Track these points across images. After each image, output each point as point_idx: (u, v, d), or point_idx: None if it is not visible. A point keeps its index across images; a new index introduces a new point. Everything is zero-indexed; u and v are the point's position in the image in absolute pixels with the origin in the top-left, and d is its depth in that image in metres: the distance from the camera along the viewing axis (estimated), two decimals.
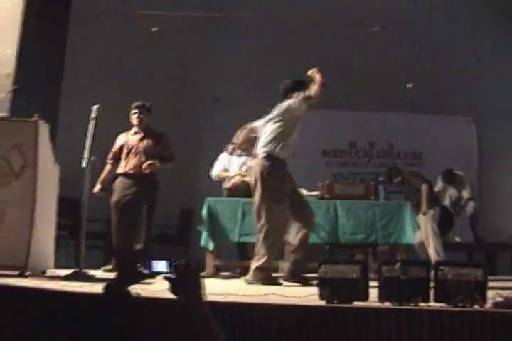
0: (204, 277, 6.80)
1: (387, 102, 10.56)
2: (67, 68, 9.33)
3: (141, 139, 7.22)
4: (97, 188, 7.14)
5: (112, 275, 5.98)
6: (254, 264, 5.95)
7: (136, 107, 7.24)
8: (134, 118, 7.25)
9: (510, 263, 8.93)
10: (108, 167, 7.27)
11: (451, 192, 9.66)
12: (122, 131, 7.44)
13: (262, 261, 5.90)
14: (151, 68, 10.09)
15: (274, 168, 5.99)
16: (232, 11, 10.04)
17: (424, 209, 8.24)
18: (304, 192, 7.55)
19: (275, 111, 6.17)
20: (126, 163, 7.14)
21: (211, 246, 7.02)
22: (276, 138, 6.04)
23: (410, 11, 10.54)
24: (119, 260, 2.15)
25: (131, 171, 7.10)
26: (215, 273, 7.10)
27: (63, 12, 9.36)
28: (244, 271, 7.15)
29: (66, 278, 5.41)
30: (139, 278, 2.45)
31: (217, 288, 5.02)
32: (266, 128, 6.18)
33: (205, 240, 7.01)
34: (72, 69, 9.35)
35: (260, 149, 6.11)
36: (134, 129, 7.30)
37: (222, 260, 7.36)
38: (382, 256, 7.86)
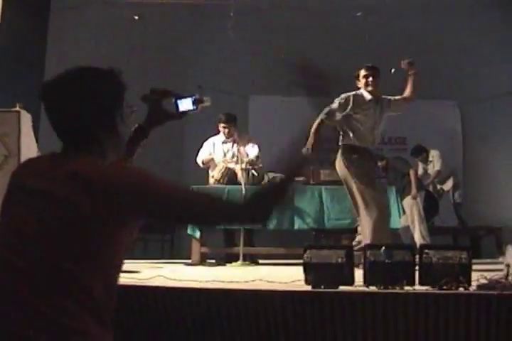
0: (190, 264, 6.88)
1: None
2: (48, 57, 9.26)
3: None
4: None
5: None
6: None
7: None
8: None
9: (495, 246, 8.96)
10: None
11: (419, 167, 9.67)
12: None
13: None
14: (133, 56, 10.01)
15: None
16: None
17: (414, 192, 8.27)
18: None
19: None
20: None
21: (197, 234, 7.03)
22: None
23: None
24: (144, 100, 2.13)
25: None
26: (202, 261, 7.10)
27: (44, 1, 9.29)
28: (230, 258, 7.19)
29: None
30: (164, 117, 2.45)
31: (205, 275, 5.04)
32: None
33: (191, 228, 7.01)
34: (54, 58, 9.28)
35: None
36: None
37: (208, 247, 7.36)
38: None
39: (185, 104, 2.39)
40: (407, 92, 6.51)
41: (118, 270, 1.97)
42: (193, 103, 2.37)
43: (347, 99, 6.33)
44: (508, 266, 4.02)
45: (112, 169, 1.95)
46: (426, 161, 9.62)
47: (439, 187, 9.82)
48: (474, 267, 4.00)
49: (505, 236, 9.65)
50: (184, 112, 2.40)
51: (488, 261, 7.56)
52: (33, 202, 1.89)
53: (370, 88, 6.34)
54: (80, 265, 1.81)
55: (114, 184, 1.89)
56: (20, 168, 2.11)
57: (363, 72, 6.41)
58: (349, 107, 6.31)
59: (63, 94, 2.03)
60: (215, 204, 2.04)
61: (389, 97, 6.50)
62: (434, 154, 9.61)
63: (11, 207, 1.95)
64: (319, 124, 6.30)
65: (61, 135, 2.04)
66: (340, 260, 3.75)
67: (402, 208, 7.35)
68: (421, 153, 9.60)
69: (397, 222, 6.96)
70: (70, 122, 2.02)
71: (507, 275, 3.94)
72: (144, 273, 5.42)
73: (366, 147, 6.39)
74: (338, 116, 6.35)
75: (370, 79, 6.36)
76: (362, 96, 6.36)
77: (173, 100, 2.40)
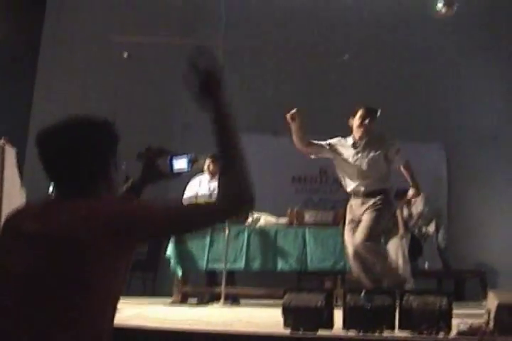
0: (172, 303, 6.82)
1: None
2: (36, 93, 9.29)
3: None
4: None
5: None
6: None
7: None
8: None
9: (480, 289, 8.94)
10: None
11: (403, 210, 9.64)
12: None
13: None
14: (121, 94, 10.05)
15: None
16: (204, 38, 10.07)
17: (402, 232, 8.25)
18: (273, 219, 7.56)
19: None
20: None
21: (179, 272, 6.99)
22: None
23: (378, 38, 10.66)
24: (139, 158, 2.12)
25: None
26: (184, 300, 7.04)
27: (35, 36, 9.35)
28: (213, 298, 7.13)
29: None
30: (158, 176, 2.44)
31: (184, 316, 4.99)
32: None
33: (173, 267, 6.98)
34: (42, 94, 9.32)
35: None
36: None
37: (190, 286, 7.31)
38: (352, 283, 7.85)
39: (180, 164, 2.38)
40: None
41: (116, 303, 2.01)
42: (188, 163, 2.37)
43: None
44: (488, 311, 4.00)
45: (108, 204, 2.00)
46: (409, 204, 9.60)
47: (424, 229, 9.79)
48: (457, 311, 3.98)
49: (490, 279, 9.67)
50: (178, 173, 2.41)
51: (473, 304, 7.54)
52: (29, 244, 1.91)
53: (360, 132, 6.32)
54: (79, 300, 1.84)
55: (114, 217, 1.93)
56: (15, 213, 2.14)
57: (360, 113, 6.37)
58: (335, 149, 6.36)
59: (60, 143, 2.09)
60: (205, 209, 2.12)
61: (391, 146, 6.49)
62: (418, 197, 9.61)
63: (5, 251, 1.96)
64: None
65: (55, 180, 2.10)
66: (319, 304, 3.72)
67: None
68: (402, 196, 9.56)
69: None
70: (66, 170, 2.07)
71: (487, 321, 3.92)
72: (123, 311, 5.36)
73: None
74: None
75: (366, 121, 6.32)
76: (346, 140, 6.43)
77: (168, 159, 2.41)
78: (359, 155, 6.26)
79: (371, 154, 6.25)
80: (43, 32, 9.43)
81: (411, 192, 6.75)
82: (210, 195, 7.71)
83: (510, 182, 10.67)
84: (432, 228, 9.82)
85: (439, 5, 8.87)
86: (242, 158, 2.13)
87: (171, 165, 2.40)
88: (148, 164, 2.44)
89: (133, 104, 10.07)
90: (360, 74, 10.39)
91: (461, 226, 10.67)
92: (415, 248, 8.88)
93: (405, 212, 9.45)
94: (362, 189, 6.24)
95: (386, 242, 7.70)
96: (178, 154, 2.42)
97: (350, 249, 6.04)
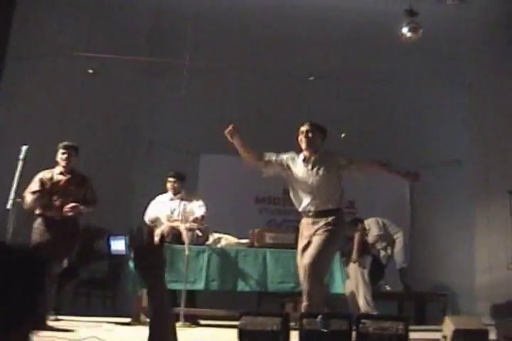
0: (129, 323, 6.73)
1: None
2: (0, 109, 9.18)
3: (68, 181, 6.91)
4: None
5: None
6: None
7: (65, 147, 6.90)
8: (62, 158, 6.87)
9: (441, 312, 8.96)
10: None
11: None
12: (42, 170, 6.99)
13: None
14: (86, 110, 10.00)
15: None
16: (170, 57, 10.07)
17: (355, 257, 8.29)
18: (234, 239, 7.53)
19: None
20: (49, 204, 6.89)
21: (137, 292, 6.91)
22: None
23: (344, 62, 10.76)
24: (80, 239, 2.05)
25: (53, 213, 6.82)
26: (142, 319, 6.96)
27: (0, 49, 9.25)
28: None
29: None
30: (95, 257, 2.37)
31: (140, 336, 4.92)
32: None
33: (132, 286, 6.90)
34: (5, 109, 9.21)
35: None
36: (59, 169, 6.90)
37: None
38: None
39: (118, 246, 2.35)
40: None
41: None
42: (126, 246, 2.33)
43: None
44: (445, 337, 4.00)
45: None
46: (364, 231, 9.61)
47: (383, 253, 9.82)
48: (417, 335, 3.97)
49: (451, 301, 9.73)
50: (116, 253, 2.37)
51: (433, 327, 7.57)
52: None
53: (303, 145, 5.96)
54: None
55: None
56: None
57: (303, 127, 6.05)
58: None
59: None
60: None
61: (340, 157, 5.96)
62: (369, 222, 9.63)
63: None
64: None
65: None
66: (275, 327, 3.69)
67: (347, 273, 7.34)
68: (356, 224, 9.59)
69: (340, 287, 6.93)
70: None
71: None
72: (78, 332, 5.30)
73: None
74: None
75: (310, 134, 5.94)
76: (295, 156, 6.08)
77: (106, 239, 2.37)
78: (309, 172, 5.89)
79: (322, 171, 5.86)
80: (7, 47, 9.33)
81: (408, 179, 6.44)
82: (171, 214, 7.66)
83: (473, 205, 10.78)
84: (391, 251, 9.86)
85: (405, 29, 8.99)
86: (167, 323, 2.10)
87: (109, 246, 2.36)
88: (86, 245, 2.34)
89: (98, 120, 10.01)
90: (326, 97, 10.48)
91: (423, 249, 10.76)
92: (376, 270, 8.90)
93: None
94: (312, 208, 5.87)
95: (346, 265, 7.69)
96: (117, 234, 2.38)
97: (300, 271, 5.73)
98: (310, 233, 5.77)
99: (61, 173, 6.90)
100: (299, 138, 5.99)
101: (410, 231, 11.03)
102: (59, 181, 6.86)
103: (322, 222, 5.76)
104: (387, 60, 10.71)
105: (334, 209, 5.82)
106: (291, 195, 6.10)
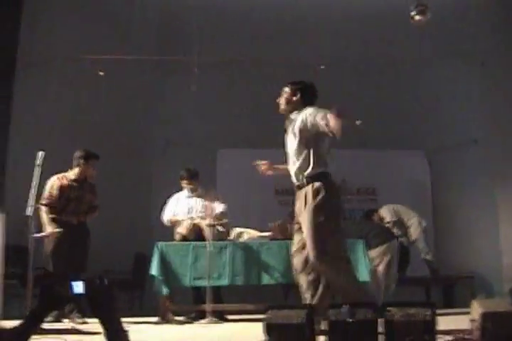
0: (157, 323, 6.74)
1: (339, 139, 10.61)
2: (14, 115, 9.21)
3: (83, 188, 7.10)
4: (51, 228, 6.84)
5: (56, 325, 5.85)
6: None
7: (89, 157, 7.13)
8: (82, 168, 7.11)
9: (469, 295, 8.91)
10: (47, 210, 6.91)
11: None
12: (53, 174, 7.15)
13: None
14: (99, 112, 10.00)
15: None
16: (180, 54, 10.06)
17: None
18: (256, 233, 7.52)
19: None
20: (64, 210, 6.97)
21: (165, 290, 6.93)
22: None
23: (358, 49, 10.70)
24: (39, 284, 2.05)
25: (70, 219, 6.93)
26: (170, 318, 6.98)
27: (9, 58, 9.28)
28: (200, 315, 7.07)
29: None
30: (59, 302, 2.33)
31: (168, 336, 4.93)
32: None
33: (158, 285, 6.92)
34: (20, 115, 9.24)
35: None
36: (74, 176, 7.12)
37: (176, 305, 7.25)
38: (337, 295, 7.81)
39: (80, 287, 2.32)
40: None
41: None
42: (84, 287, 2.30)
43: None
44: (473, 321, 3.95)
45: None
46: (381, 220, 9.54)
47: (400, 239, 9.71)
48: (445, 319, 3.93)
49: (478, 283, 9.65)
50: (79, 295, 2.33)
51: (462, 310, 7.51)
52: None
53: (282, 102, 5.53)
54: None
55: None
56: None
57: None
58: None
59: None
60: None
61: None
62: (382, 210, 9.56)
63: None
64: None
65: None
66: (300, 320, 3.66)
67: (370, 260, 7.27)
68: (371, 215, 9.52)
69: (365, 275, 6.88)
70: None
71: (472, 331, 3.87)
72: None
73: None
74: None
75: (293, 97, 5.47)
76: None
77: (69, 282, 2.33)
78: (286, 135, 5.37)
79: (289, 131, 5.31)
80: (17, 54, 9.35)
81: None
82: (189, 212, 7.66)
83: (494, 185, 10.67)
84: (414, 235, 9.76)
85: (413, 12, 8.90)
86: None
87: (72, 288, 2.33)
88: (48, 291, 2.31)
89: (112, 122, 10.02)
90: (337, 84, 10.39)
91: (447, 231, 10.69)
92: (402, 256, 8.82)
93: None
94: (294, 180, 5.26)
95: (370, 248, 7.57)
96: (77, 277, 2.35)
97: (294, 261, 5.28)
98: (298, 213, 5.18)
99: (75, 180, 7.01)
100: None
101: (433, 214, 10.96)
102: (75, 188, 6.96)
103: (302, 196, 5.12)
104: (398, 44, 10.62)
105: (311, 175, 5.10)
106: None
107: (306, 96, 5.50)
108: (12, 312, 6.20)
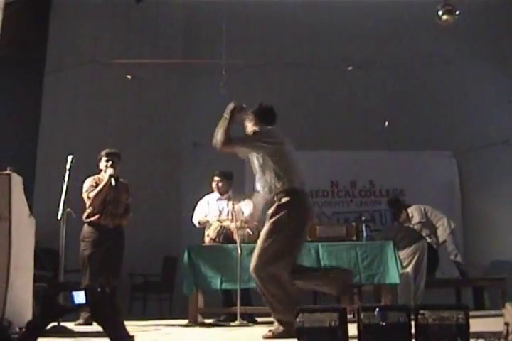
0: (187, 325, 6.76)
1: (367, 141, 10.61)
2: (43, 119, 9.30)
3: (118, 189, 6.98)
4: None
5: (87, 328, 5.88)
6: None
7: (113, 154, 7.02)
8: (107, 165, 6.93)
9: (500, 297, 8.82)
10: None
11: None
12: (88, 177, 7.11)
13: None
14: (128, 115, 10.07)
15: None
16: (208, 57, 10.08)
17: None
18: None
19: None
20: (102, 213, 6.92)
21: (194, 293, 6.94)
22: None
23: (387, 50, 10.66)
24: (42, 295, 2.05)
25: (107, 222, 6.92)
26: (200, 321, 6.99)
27: (39, 61, 9.38)
28: (230, 317, 7.08)
29: (44, 333, 5.28)
30: (59, 312, 2.33)
31: (198, 337, 4.94)
32: None
33: (187, 287, 6.92)
34: (48, 119, 9.33)
35: None
36: (107, 178, 6.94)
37: (206, 307, 7.26)
38: (368, 296, 7.78)
39: (80, 297, 2.31)
40: None
41: None
42: (85, 297, 2.30)
43: None
44: (507, 324, 3.91)
45: None
46: (409, 220, 9.44)
47: (429, 240, 9.61)
48: (476, 321, 3.90)
49: (509, 285, 9.54)
50: (79, 305, 2.33)
51: (492, 313, 7.45)
52: None
53: None
54: None
55: None
56: None
57: None
58: None
59: None
60: None
61: None
62: (412, 209, 9.46)
63: None
64: None
65: None
66: (333, 323, 3.65)
67: (400, 262, 7.23)
68: (400, 210, 9.40)
69: (395, 277, 6.85)
70: None
71: (506, 334, 3.83)
72: (138, 337, 5.32)
73: None
74: None
75: None
76: None
77: (69, 292, 2.33)
78: None
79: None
80: (46, 58, 9.45)
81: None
82: (220, 214, 7.66)
83: None
84: (442, 237, 9.67)
85: (440, 12, 8.86)
86: None
87: (72, 299, 2.32)
88: (49, 301, 2.31)
89: (141, 125, 10.07)
90: (365, 85, 10.37)
91: (477, 232, 10.61)
92: (431, 258, 8.75)
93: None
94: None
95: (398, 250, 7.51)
96: (77, 288, 2.34)
97: None
98: None
99: (109, 182, 6.90)
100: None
101: (462, 215, 10.89)
102: (110, 189, 6.90)
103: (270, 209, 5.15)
104: (425, 45, 10.59)
105: (277, 192, 5.10)
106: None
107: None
108: None
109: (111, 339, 2.19)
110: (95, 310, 2.19)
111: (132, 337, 2.36)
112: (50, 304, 2.27)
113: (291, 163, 5.26)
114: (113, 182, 6.76)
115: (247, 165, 10.62)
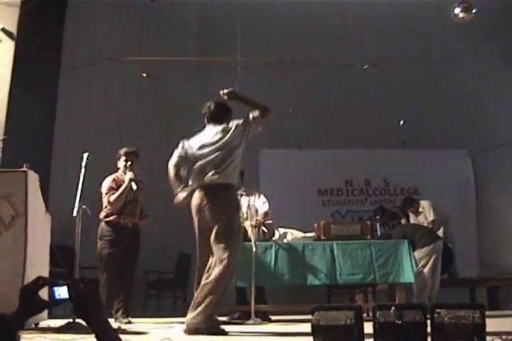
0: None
1: (382, 139, 10.60)
2: (58, 117, 9.32)
3: (137, 188, 6.90)
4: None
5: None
6: None
7: (132, 154, 7.00)
8: (127, 165, 6.91)
9: None
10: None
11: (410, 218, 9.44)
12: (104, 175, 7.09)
13: None
14: (143, 113, 10.08)
15: None
16: (222, 55, 10.08)
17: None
18: (300, 234, 7.50)
19: None
20: (121, 213, 6.85)
21: None
22: None
23: (402, 49, 10.63)
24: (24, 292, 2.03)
25: (126, 221, 6.89)
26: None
27: (54, 59, 9.40)
28: (244, 316, 7.07)
29: (59, 330, 5.30)
30: (40, 308, 2.32)
31: (212, 337, 4.95)
32: None
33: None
34: (64, 117, 9.35)
35: None
36: (125, 177, 6.90)
37: (220, 304, 7.25)
38: (382, 294, 7.76)
39: (62, 292, 2.31)
40: None
41: None
42: (68, 291, 2.29)
43: None
44: None
45: None
46: (416, 212, 9.40)
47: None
48: (492, 321, 3.88)
49: None
50: (60, 300, 2.32)
51: (507, 313, 7.42)
52: None
53: None
54: None
55: None
56: None
57: None
58: None
59: None
60: None
61: None
62: (424, 205, 9.40)
63: None
64: None
65: None
66: (349, 321, 3.65)
67: (415, 261, 7.20)
68: (412, 204, 9.39)
69: (410, 276, 6.85)
70: None
71: None
72: (152, 334, 5.34)
73: None
74: None
75: None
76: None
77: (51, 287, 2.32)
78: None
79: None
80: (62, 56, 9.47)
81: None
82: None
83: None
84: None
85: (457, 10, 8.82)
86: None
87: (53, 294, 2.32)
88: (30, 296, 2.30)
89: (156, 123, 10.09)
90: (382, 84, 10.35)
91: (492, 231, 10.58)
92: (446, 256, 8.70)
93: (412, 221, 9.28)
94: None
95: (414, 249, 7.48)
96: (59, 283, 2.33)
97: None
98: None
99: (129, 180, 6.84)
100: None
101: (477, 214, 10.87)
102: (130, 191, 6.85)
103: None
104: (441, 44, 10.55)
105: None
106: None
107: None
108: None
109: (94, 333, 2.19)
110: (77, 304, 2.19)
111: (116, 330, 2.36)
112: (30, 299, 2.26)
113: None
114: (134, 186, 6.74)
115: (261, 163, 10.73)
